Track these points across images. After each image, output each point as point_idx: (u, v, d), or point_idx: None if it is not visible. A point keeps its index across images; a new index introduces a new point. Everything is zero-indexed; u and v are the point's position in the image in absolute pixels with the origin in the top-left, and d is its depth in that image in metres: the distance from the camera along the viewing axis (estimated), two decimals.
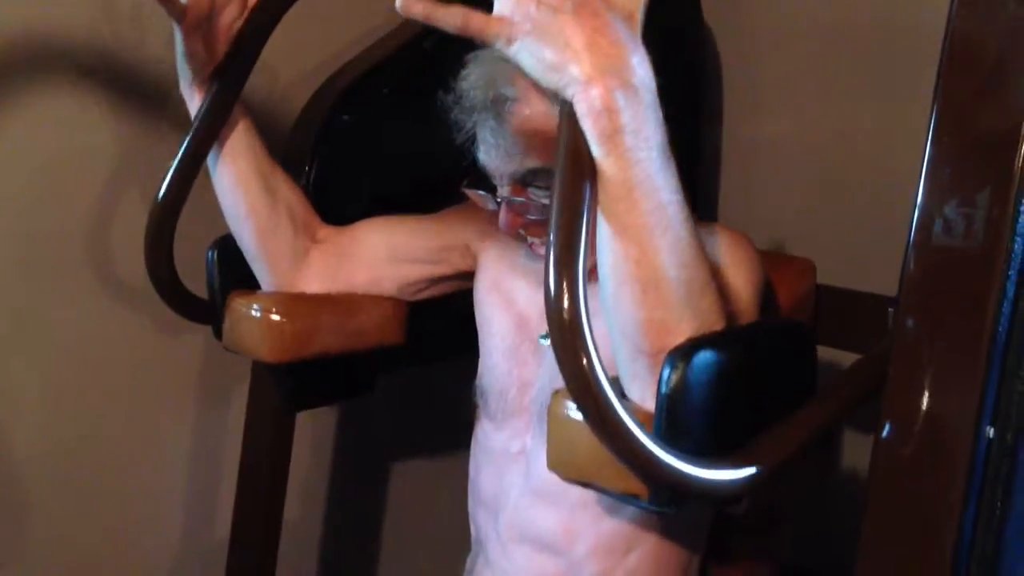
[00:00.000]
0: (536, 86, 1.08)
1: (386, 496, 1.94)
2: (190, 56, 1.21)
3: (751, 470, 0.90)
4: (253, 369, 1.52)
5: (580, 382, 0.82)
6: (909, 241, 0.85)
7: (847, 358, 1.19)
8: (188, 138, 1.25)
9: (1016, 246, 0.80)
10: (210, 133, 1.25)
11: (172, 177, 1.27)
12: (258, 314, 1.33)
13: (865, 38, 1.43)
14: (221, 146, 1.28)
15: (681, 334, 0.91)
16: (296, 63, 1.62)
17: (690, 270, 0.91)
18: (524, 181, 1.17)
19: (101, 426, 1.57)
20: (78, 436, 1.55)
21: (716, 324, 0.94)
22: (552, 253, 0.83)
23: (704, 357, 0.91)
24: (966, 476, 0.81)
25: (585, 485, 0.98)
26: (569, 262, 0.83)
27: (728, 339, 0.94)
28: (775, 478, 0.92)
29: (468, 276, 1.42)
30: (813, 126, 1.60)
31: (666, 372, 0.90)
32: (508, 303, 1.34)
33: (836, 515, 1.54)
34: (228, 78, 1.24)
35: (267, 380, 1.49)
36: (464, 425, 1.43)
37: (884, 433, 0.84)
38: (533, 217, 1.18)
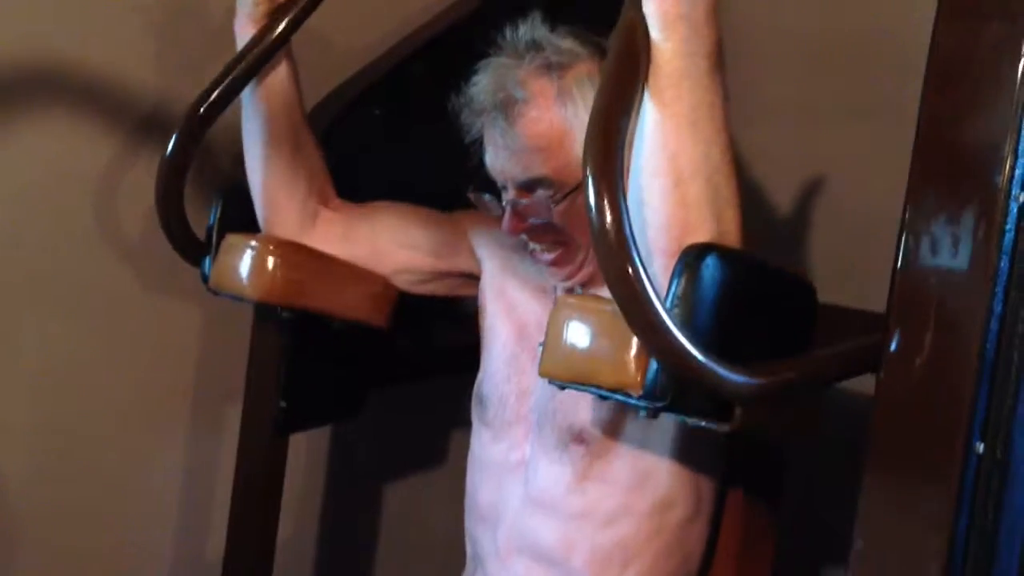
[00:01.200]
0: (545, 90, 1.13)
1: (380, 515, 1.94)
2: None
3: (766, 379, 0.88)
4: (246, 391, 1.52)
5: (618, 265, 0.82)
6: (896, 260, 0.86)
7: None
8: (228, 66, 1.27)
9: (1002, 264, 0.81)
10: (251, 67, 1.27)
11: (203, 96, 1.27)
12: (254, 250, 1.33)
13: (849, 54, 1.44)
14: (261, 83, 1.29)
15: (699, 238, 0.92)
16: None
17: (720, 178, 0.93)
18: (529, 187, 1.19)
19: (94, 449, 1.57)
20: (70, 459, 1.54)
21: (733, 242, 0.95)
22: (596, 126, 0.85)
23: (717, 260, 0.91)
24: (957, 491, 0.82)
25: (577, 386, 0.98)
26: (611, 142, 0.85)
27: (743, 256, 0.95)
28: (781, 394, 0.91)
29: (468, 279, 1.43)
30: (798, 142, 1.62)
31: (679, 266, 0.91)
32: (510, 310, 1.35)
33: (828, 531, 1.55)
34: (283, 21, 1.27)
35: (260, 402, 1.50)
36: (456, 442, 1.44)
37: (875, 450, 0.85)
38: (536, 221, 1.20)
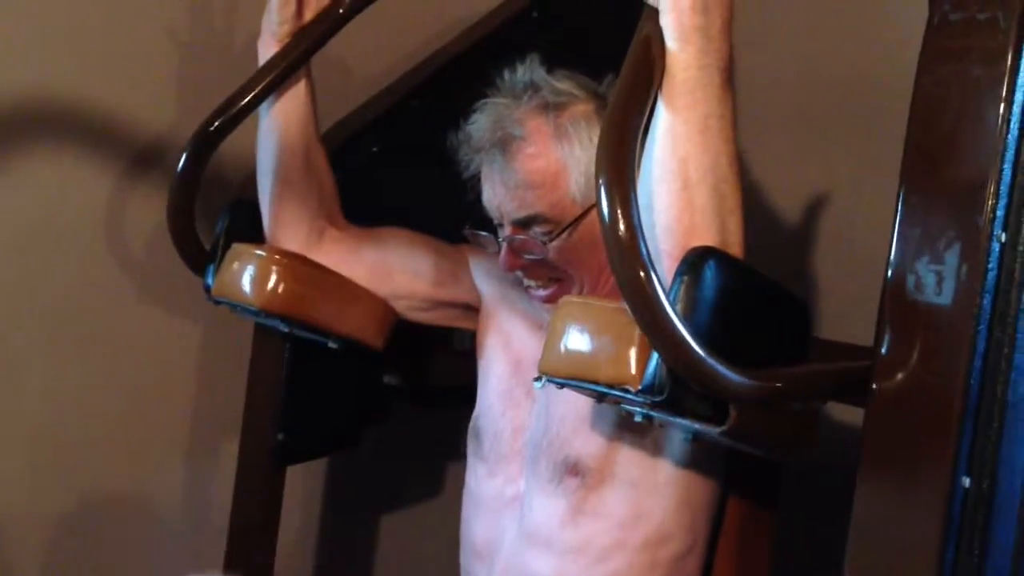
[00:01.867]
0: (542, 129, 1.16)
1: (376, 548, 1.94)
2: (280, 8, 1.29)
3: (762, 382, 0.90)
4: (244, 423, 1.53)
5: (631, 266, 0.85)
6: (882, 297, 0.88)
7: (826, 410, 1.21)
8: (248, 82, 1.31)
9: (985, 302, 0.83)
10: (271, 84, 1.30)
11: (220, 110, 1.30)
12: (259, 259, 1.34)
13: (834, 94, 1.46)
14: (279, 99, 1.33)
15: (703, 242, 0.95)
16: None
17: (726, 187, 0.96)
18: (525, 224, 1.21)
19: (92, 481, 1.57)
20: (69, 492, 1.55)
21: (735, 251, 0.97)
22: (610, 129, 0.88)
23: (719, 263, 0.94)
24: (944, 526, 0.83)
25: (574, 384, 1.00)
26: (625, 146, 0.87)
27: (744, 264, 0.98)
28: (776, 398, 0.93)
29: (466, 310, 1.44)
30: (786, 180, 1.64)
31: (683, 266, 0.93)
32: (506, 345, 1.36)
33: (821, 561, 1.56)
34: (304, 42, 1.31)
35: (258, 434, 1.51)
36: (451, 476, 1.44)
37: (863, 485, 0.87)
38: (531, 258, 1.21)
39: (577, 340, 1.00)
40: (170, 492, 1.67)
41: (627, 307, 0.87)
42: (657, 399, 0.94)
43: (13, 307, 1.47)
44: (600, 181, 0.86)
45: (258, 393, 1.51)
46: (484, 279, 1.41)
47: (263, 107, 1.33)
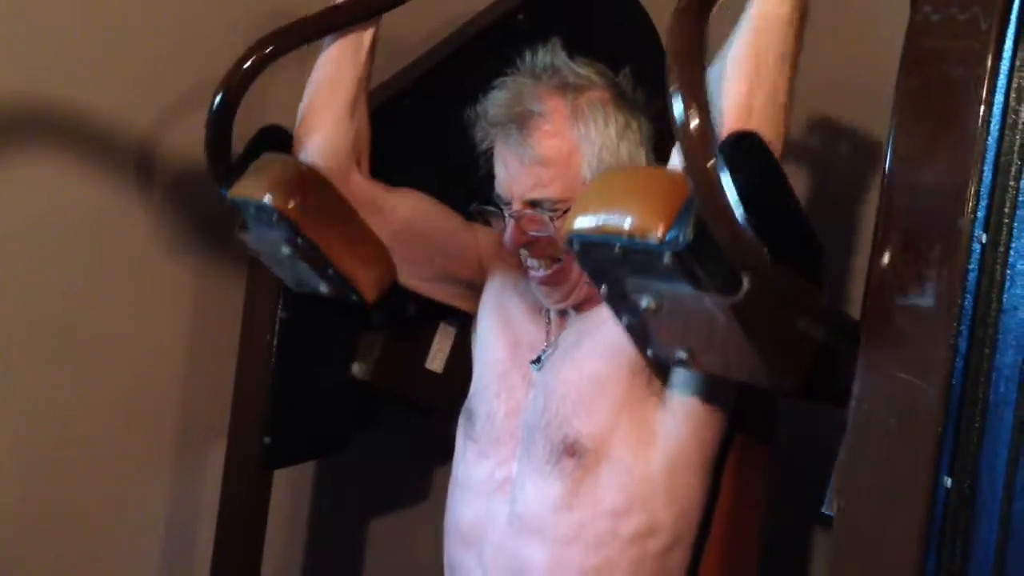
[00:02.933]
0: (560, 108, 1.20)
1: (364, 549, 1.94)
2: None
3: (778, 262, 0.91)
4: (231, 427, 1.53)
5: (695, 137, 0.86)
6: (865, 298, 0.88)
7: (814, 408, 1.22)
8: (321, 13, 1.30)
9: (966, 303, 0.84)
10: (337, 21, 1.31)
11: (282, 31, 1.29)
12: (290, 162, 1.32)
13: (815, 96, 1.47)
14: (345, 33, 1.32)
15: (755, 127, 0.97)
16: (273, 117, 1.64)
17: (784, 83, 1.00)
18: (534, 203, 1.22)
19: (79, 486, 1.57)
20: (53, 496, 1.54)
21: (776, 144, 1.00)
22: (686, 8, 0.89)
23: (761, 145, 0.96)
24: (925, 525, 0.83)
25: (599, 237, 1.00)
26: (697, 27, 0.88)
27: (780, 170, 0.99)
28: (789, 283, 0.94)
29: (468, 290, 1.44)
30: None
31: (730, 138, 0.94)
32: (505, 326, 1.36)
33: (804, 558, 1.56)
34: None
35: (244, 438, 1.50)
36: (439, 477, 1.44)
37: (845, 485, 0.87)
38: (537, 233, 1.23)
39: (608, 196, 1.03)
40: (157, 495, 1.67)
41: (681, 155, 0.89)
42: (680, 248, 0.93)
43: None
44: (671, 57, 0.88)
45: (244, 396, 1.51)
46: (492, 258, 1.41)
47: (328, 39, 1.33)
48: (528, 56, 1.26)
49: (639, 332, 1.08)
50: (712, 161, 0.86)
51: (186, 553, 1.69)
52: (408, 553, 1.93)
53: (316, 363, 1.52)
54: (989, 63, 0.83)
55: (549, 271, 1.26)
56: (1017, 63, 0.84)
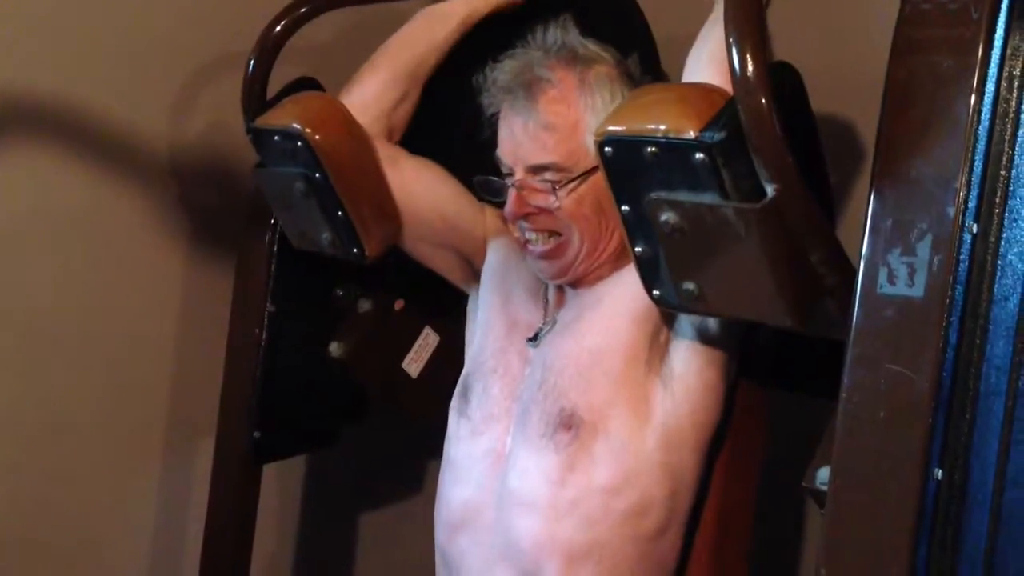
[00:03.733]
0: (568, 78, 1.22)
1: (354, 548, 1.93)
2: None
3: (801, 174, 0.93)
4: (219, 422, 1.53)
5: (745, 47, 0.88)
6: (856, 290, 0.88)
7: (805, 401, 1.21)
8: None
9: (957, 294, 0.83)
10: None
11: None
12: (325, 97, 1.34)
13: (812, 90, 1.47)
14: (435, 22, 1.39)
15: None
16: None
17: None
18: (537, 171, 1.23)
19: (68, 481, 1.56)
20: (42, 492, 1.54)
21: None
22: None
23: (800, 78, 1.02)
24: (916, 516, 0.83)
25: (633, 139, 1.00)
26: None
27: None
28: (811, 193, 0.95)
29: (466, 264, 1.44)
30: None
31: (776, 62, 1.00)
32: (505, 303, 1.36)
33: (795, 550, 1.56)
34: None
35: (233, 432, 1.50)
36: (431, 469, 1.43)
37: (836, 477, 0.87)
38: (538, 204, 1.23)
39: (643, 104, 1.05)
40: (146, 490, 1.66)
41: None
42: (714, 144, 0.94)
43: None
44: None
45: (233, 390, 1.50)
46: (496, 235, 1.42)
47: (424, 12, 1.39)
48: (540, 31, 1.28)
49: (650, 265, 1.07)
50: (760, 67, 0.88)
51: (176, 547, 1.68)
52: (399, 547, 1.93)
53: (305, 357, 1.51)
54: (980, 52, 0.83)
55: (548, 246, 1.26)
56: (1008, 52, 0.84)
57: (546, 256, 1.26)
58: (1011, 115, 0.84)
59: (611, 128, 1.03)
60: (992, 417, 0.87)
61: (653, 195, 1.01)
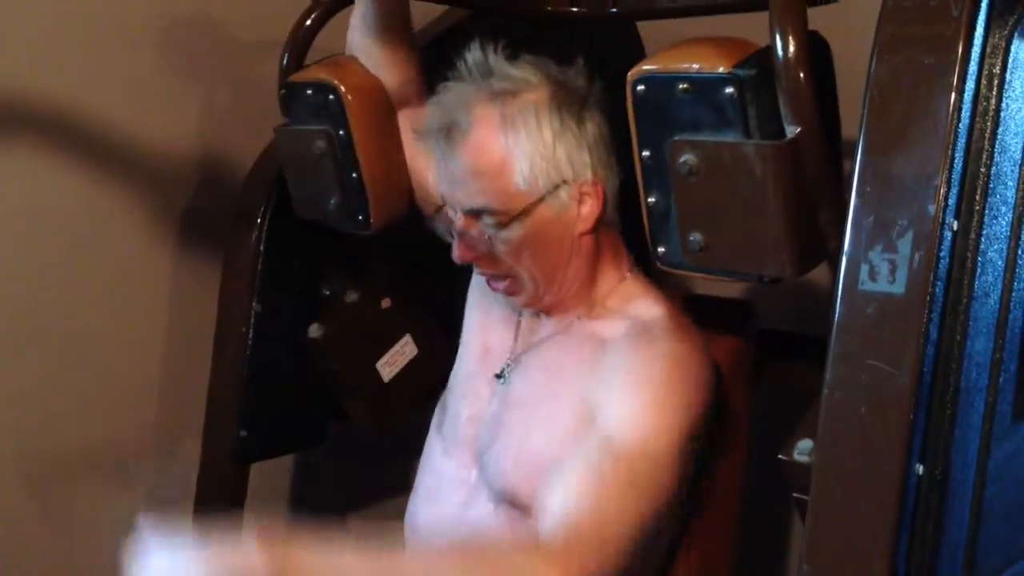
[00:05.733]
0: (488, 117, 1.15)
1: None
2: None
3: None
4: (206, 420, 1.53)
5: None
6: (838, 287, 0.88)
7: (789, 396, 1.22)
8: None
9: (938, 290, 0.84)
10: None
11: None
12: (356, 62, 1.34)
13: None
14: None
15: None
16: (249, 114, 1.64)
17: None
18: (475, 214, 1.19)
19: (54, 480, 1.56)
20: (30, 491, 1.54)
21: None
22: None
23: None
24: (897, 512, 0.83)
25: (665, 75, 1.01)
26: None
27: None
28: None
29: None
30: None
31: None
32: (481, 328, 1.34)
33: (779, 546, 1.57)
34: None
35: (220, 431, 1.50)
36: (416, 470, 1.43)
37: (819, 473, 0.87)
38: (484, 250, 1.19)
39: (682, 46, 1.05)
40: (134, 488, 1.66)
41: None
42: (744, 79, 0.96)
43: None
44: None
45: (220, 390, 1.50)
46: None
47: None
48: (467, 55, 1.21)
49: (660, 218, 1.07)
50: (798, 7, 0.92)
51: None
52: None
53: (291, 356, 1.51)
54: (960, 50, 0.83)
55: (502, 284, 1.23)
56: (988, 50, 0.84)
57: (506, 292, 1.24)
58: (991, 113, 0.84)
59: (645, 67, 1.03)
60: (973, 413, 0.87)
61: (675, 138, 1.02)
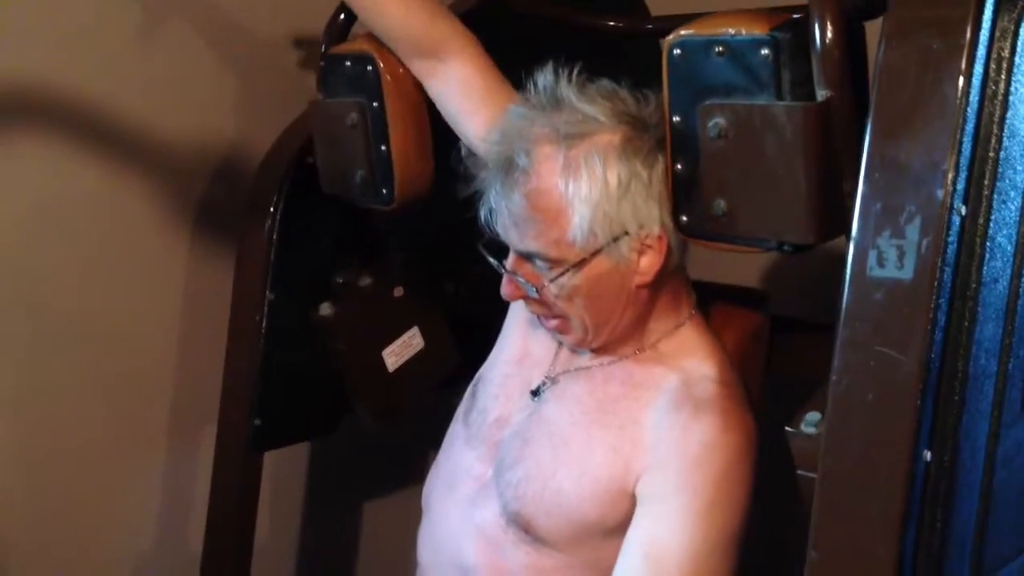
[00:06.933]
0: (550, 160, 1.07)
1: (356, 536, 1.94)
2: None
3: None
4: (221, 409, 1.54)
5: None
6: (846, 273, 0.87)
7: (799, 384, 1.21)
8: None
9: (945, 276, 0.83)
10: None
11: None
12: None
13: None
14: None
15: None
16: (261, 107, 1.65)
17: None
18: (527, 256, 1.12)
19: (74, 467, 1.58)
20: (48, 481, 1.55)
21: None
22: None
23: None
24: (905, 499, 0.83)
25: (701, 38, 1.01)
26: None
27: None
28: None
29: None
30: None
31: None
32: (524, 329, 1.29)
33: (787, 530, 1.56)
34: None
35: (234, 420, 1.51)
36: (434, 458, 1.43)
37: (827, 460, 0.87)
38: (532, 295, 1.13)
39: (720, 15, 1.03)
40: (150, 478, 1.68)
41: None
42: (781, 40, 0.96)
43: None
44: None
45: (234, 378, 1.51)
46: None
47: None
48: (539, 78, 1.11)
49: (685, 184, 1.05)
50: None
51: (180, 533, 1.70)
52: (401, 536, 1.94)
53: (304, 345, 1.52)
54: (968, 34, 0.83)
55: (551, 324, 1.17)
56: (997, 33, 0.84)
57: (556, 329, 1.18)
58: (999, 97, 0.83)
59: (683, 32, 1.02)
60: (982, 399, 0.87)
61: (707, 103, 1.01)
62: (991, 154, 0.84)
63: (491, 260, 1.15)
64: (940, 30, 0.84)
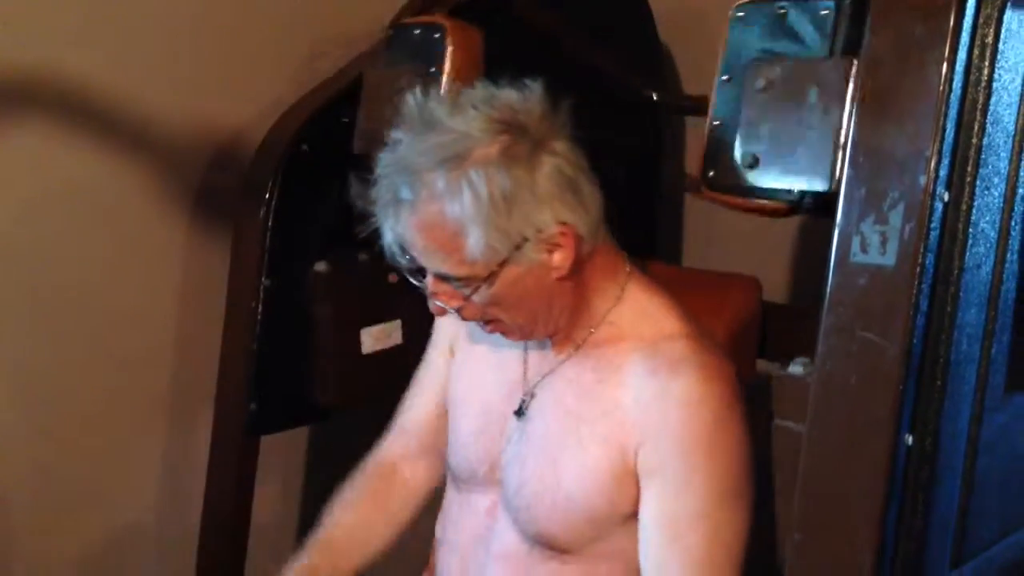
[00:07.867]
0: (433, 187, 1.05)
1: None
2: None
3: None
4: (217, 394, 1.55)
5: None
6: (830, 258, 0.88)
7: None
8: None
9: (928, 262, 0.84)
10: None
11: None
12: None
13: None
14: None
15: None
16: (257, 95, 1.65)
17: None
18: (442, 278, 1.11)
19: (73, 451, 1.59)
20: (48, 465, 1.56)
21: None
22: None
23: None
24: (886, 482, 0.84)
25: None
26: None
27: None
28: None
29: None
30: None
31: None
32: (480, 386, 1.27)
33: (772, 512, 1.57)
34: None
35: (231, 404, 1.52)
36: None
37: (810, 442, 0.88)
38: (454, 307, 1.12)
39: None
40: (148, 459, 1.69)
41: None
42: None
43: None
44: None
45: (230, 363, 1.52)
46: (453, 333, 1.32)
47: None
48: (411, 102, 1.09)
49: (718, 139, 1.06)
50: None
51: (178, 516, 1.71)
52: None
53: (300, 330, 1.53)
54: (952, 19, 0.83)
55: (488, 328, 1.16)
56: (981, 19, 0.84)
57: (500, 332, 1.16)
58: (983, 83, 0.84)
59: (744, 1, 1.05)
60: (964, 384, 0.88)
61: (755, 61, 1.03)
62: (974, 140, 0.84)
63: (415, 282, 1.14)
64: (924, 15, 0.84)
